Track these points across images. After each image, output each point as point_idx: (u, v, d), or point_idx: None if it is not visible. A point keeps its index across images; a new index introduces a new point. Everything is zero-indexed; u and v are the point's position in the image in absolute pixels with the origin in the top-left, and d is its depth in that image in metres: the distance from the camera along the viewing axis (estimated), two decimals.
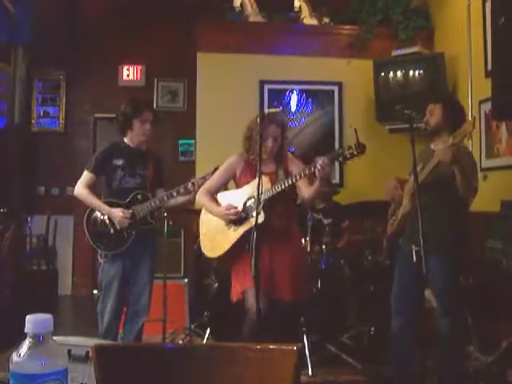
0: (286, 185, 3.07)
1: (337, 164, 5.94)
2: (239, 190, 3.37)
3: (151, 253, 3.71)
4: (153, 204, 3.59)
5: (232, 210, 3.24)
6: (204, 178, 3.55)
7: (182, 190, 3.60)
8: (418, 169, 3.22)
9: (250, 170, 3.31)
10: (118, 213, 3.52)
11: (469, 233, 3.36)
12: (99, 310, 3.59)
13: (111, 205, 3.57)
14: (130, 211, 3.55)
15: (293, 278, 3.22)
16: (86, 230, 3.61)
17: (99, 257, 3.66)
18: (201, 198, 3.43)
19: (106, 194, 3.66)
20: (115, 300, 3.54)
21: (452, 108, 3.41)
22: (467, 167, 3.14)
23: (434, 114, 3.37)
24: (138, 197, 3.62)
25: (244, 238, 3.20)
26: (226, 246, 3.31)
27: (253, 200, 3.19)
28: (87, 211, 3.64)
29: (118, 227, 3.53)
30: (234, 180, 3.46)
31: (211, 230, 3.40)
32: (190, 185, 3.58)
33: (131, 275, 3.62)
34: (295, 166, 3.32)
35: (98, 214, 3.60)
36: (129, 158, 3.64)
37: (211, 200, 3.40)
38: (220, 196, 3.45)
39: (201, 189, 3.46)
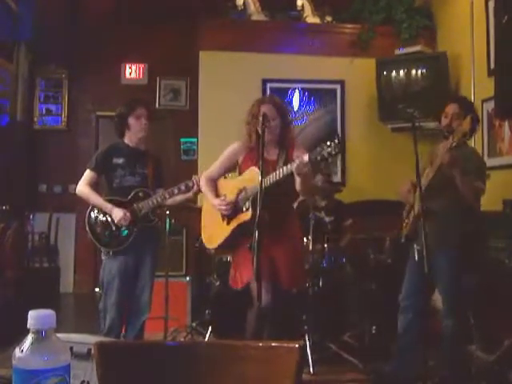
0: (270, 182, 2.99)
1: (339, 162, 5.95)
2: (238, 178, 3.37)
3: (153, 250, 3.72)
4: (154, 201, 3.61)
5: (223, 206, 3.23)
6: None
7: (182, 187, 3.62)
8: (427, 171, 3.25)
9: (251, 156, 3.27)
10: (119, 213, 3.54)
11: (479, 233, 3.40)
12: (101, 308, 3.59)
13: (113, 203, 3.59)
14: (132, 213, 3.56)
15: (289, 266, 3.22)
16: (87, 228, 3.62)
17: (102, 254, 3.67)
18: (202, 184, 3.45)
19: (107, 193, 3.69)
20: (117, 297, 3.54)
21: (476, 119, 3.35)
22: (471, 167, 3.15)
23: (463, 124, 3.25)
24: (140, 194, 3.64)
25: (236, 233, 3.24)
26: (220, 240, 3.34)
27: (243, 194, 3.20)
28: (89, 209, 3.65)
29: (119, 225, 3.55)
30: (237, 165, 3.43)
31: (210, 220, 3.41)
32: (190, 182, 3.59)
33: (132, 273, 3.62)
34: (298, 154, 3.29)
35: (99, 211, 3.62)
36: (129, 157, 3.67)
37: (211, 188, 3.39)
38: (223, 182, 3.45)
39: (203, 174, 3.47)
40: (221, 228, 3.32)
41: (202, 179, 3.45)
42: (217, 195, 3.37)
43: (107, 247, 3.60)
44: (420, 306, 3.35)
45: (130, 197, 3.61)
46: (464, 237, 3.26)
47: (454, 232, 3.26)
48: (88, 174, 3.67)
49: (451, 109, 3.38)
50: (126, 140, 3.73)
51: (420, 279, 3.23)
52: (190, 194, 3.67)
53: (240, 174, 3.39)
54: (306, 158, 2.86)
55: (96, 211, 3.63)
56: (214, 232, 3.41)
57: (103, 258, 3.64)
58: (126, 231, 3.57)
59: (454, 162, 3.04)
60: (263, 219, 2.77)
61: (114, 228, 3.57)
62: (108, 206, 3.57)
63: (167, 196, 3.62)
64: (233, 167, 3.47)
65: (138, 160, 3.69)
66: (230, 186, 3.36)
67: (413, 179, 3.50)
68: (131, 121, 3.66)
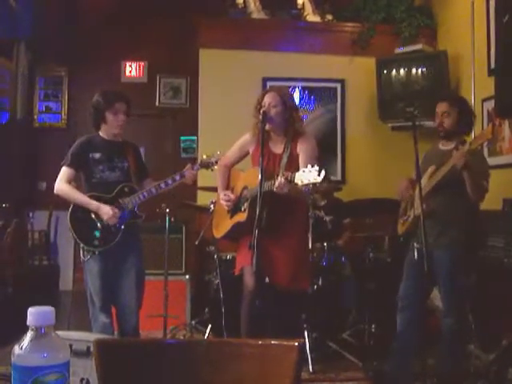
0: (267, 188, 3.02)
1: (339, 160, 5.95)
2: (246, 174, 3.46)
3: (137, 247, 3.51)
4: (141, 196, 3.41)
5: (224, 202, 3.36)
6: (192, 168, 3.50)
7: (169, 181, 3.44)
8: (430, 170, 3.25)
9: (259, 150, 3.25)
10: (107, 209, 3.33)
11: (482, 232, 3.40)
12: (91, 317, 3.37)
13: (97, 199, 3.37)
14: (119, 209, 3.36)
15: (288, 265, 3.26)
16: (71, 229, 3.38)
17: (81, 254, 3.40)
18: (217, 170, 3.55)
19: (86, 189, 3.45)
20: (102, 300, 3.34)
21: (468, 113, 3.38)
22: (477, 167, 3.15)
23: (449, 117, 3.33)
24: (125, 189, 3.44)
25: (234, 230, 3.32)
26: (221, 233, 3.47)
27: (245, 192, 3.33)
28: (70, 208, 3.40)
29: (105, 223, 3.34)
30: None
31: (222, 208, 3.49)
32: (177, 176, 3.46)
33: (114, 271, 3.40)
34: (302, 149, 3.30)
35: (82, 210, 3.38)
36: (106, 151, 3.45)
37: (222, 177, 3.55)
38: (236, 173, 3.57)
39: (220, 160, 3.51)
40: (226, 220, 3.43)
41: (218, 166, 3.53)
42: (227, 185, 3.50)
43: (94, 247, 3.36)
44: (418, 305, 3.35)
45: (114, 193, 3.40)
46: (465, 235, 3.27)
47: (455, 231, 3.26)
48: (65, 171, 3.41)
49: (440, 107, 3.38)
50: (102, 133, 3.50)
51: (418, 278, 3.23)
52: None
53: (253, 166, 3.48)
54: (283, 179, 2.88)
55: (79, 210, 3.39)
56: (220, 222, 3.52)
57: (84, 258, 3.38)
58: (112, 228, 3.37)
59: (468, 166, 3.05)
60: (261, 220, 2.79)
61: (99, 226, 3.35)
62: (93, 204, 3.34)
63: (154, 191, 3.43)
64: (244, 156, 3.56)
65: (116, 153, 3.47)
66: (241, 180, 3.44)
67: (410, 177, 3.51)
68: (108, 116, 3.42)
